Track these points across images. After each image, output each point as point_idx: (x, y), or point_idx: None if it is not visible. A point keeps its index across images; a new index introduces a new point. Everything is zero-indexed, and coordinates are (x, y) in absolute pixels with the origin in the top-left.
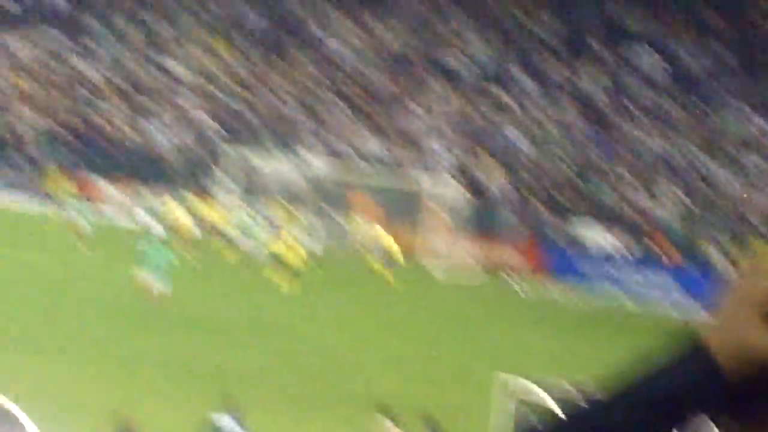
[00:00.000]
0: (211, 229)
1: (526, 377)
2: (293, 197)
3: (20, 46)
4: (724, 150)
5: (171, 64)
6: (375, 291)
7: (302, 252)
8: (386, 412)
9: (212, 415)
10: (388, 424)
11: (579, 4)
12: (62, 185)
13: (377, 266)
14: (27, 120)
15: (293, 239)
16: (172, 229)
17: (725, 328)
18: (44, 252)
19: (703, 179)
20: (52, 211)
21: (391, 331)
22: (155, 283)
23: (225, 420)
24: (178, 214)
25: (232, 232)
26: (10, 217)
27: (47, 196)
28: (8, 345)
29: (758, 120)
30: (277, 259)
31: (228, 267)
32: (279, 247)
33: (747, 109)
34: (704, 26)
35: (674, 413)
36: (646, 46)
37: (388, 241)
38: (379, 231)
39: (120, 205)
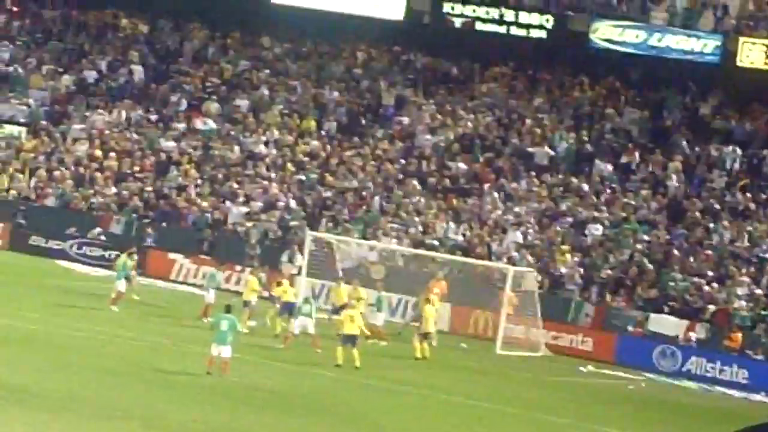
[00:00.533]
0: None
1: None
2: (370, 280)
3: (99, 119)
4: None
5: (253, 143)
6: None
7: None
8: None
9: None
10: None
11: (666, 99)
12: (132, 261)
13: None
14: (105, 193)
15: (360, 318)
16: (244, 304)
17: None
18: (114, 323)
19: None
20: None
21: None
22: (223, 355)
23: None
24: (252, 289)
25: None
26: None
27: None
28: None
29: None
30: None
31: (295, 343)
32: (348, 327)
33: None
34: None
35: None
36: (731, 146)
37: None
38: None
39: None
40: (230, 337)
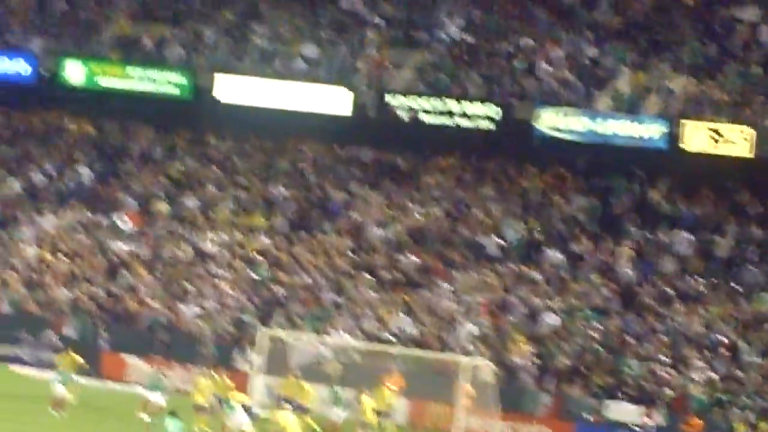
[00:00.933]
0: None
1: None
2: (322, 375)
3: (48, 222)
4: (756, 332)
5: (203, 242)
6: None
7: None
8: None
9: None
10: None
11: (614, 186)
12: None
13: None
14: (56, 296)
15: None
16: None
17: None
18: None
19: (733, 360)
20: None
21: None
22: None
23: None
24: (201, 389)
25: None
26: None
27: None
28: None
29: None
30: None
31: None
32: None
33: None
34: (742, 212)
35: None
36: (681, 230)
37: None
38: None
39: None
40: None
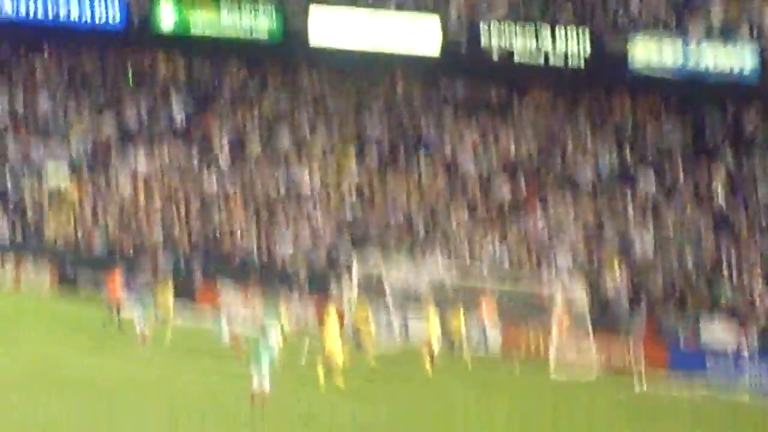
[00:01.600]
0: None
1: None
2: (417, 302)
3: (141, 163)
4: None
5: (296, 174)
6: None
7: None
8: None
9: None
10: None
11: (706, 110)
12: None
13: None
14: (150, 236)
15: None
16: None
17: None
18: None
19: None
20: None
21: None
22: (262, 384)
23: None
24: (292, 316)
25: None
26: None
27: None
28: None
29: None
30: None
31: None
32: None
33: None
34: None
35: None
36: None
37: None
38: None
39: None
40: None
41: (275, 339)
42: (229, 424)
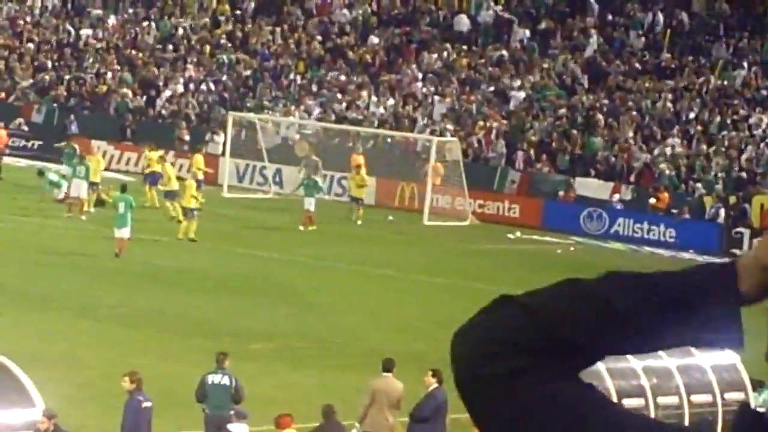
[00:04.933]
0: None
1: None
2: (294, 158)
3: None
4: (720, 102)
5: (171, 27)
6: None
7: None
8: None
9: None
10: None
11: None
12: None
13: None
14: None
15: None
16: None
17: (756, 256)
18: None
19: (700, 129)
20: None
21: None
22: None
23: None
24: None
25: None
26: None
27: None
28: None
29: (749, 72)
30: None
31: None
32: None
33: (744, 64)
34: None
35: (692, 302)
36: (649, 6)
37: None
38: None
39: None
40: (128, 218)
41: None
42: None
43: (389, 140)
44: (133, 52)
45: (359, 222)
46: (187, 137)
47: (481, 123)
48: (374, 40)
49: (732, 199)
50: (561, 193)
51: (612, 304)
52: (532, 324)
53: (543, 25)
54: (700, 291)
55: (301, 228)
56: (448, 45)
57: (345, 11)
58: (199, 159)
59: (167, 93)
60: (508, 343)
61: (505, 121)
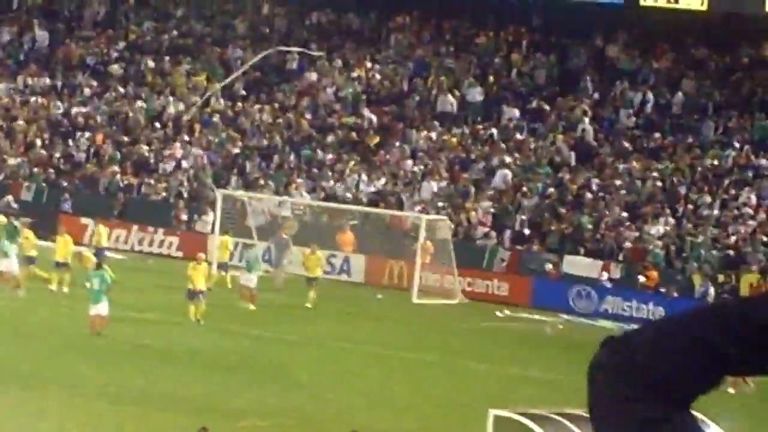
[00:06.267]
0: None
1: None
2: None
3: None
4: (709, 181)
5: (160, 105)
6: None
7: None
8: None
9: None
10: None
11: (571, 43)
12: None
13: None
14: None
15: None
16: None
17: None
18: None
19: (690, 208)
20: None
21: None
22: (101, 313)
23: None
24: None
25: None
26: None
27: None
28: None
29: (739, 152)
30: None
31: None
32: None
33: (734, 142)
34: (700, 68)
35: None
36: (638, 86)
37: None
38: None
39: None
40: (104, 294)
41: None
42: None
43: (379, 218)
44: (124, 130)
45: (309, 305)
46: (184, 216)
47: (470, 202)
48: (364, 118)
49: (721, 278)
50: (550, 270)
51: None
52: (692, 344)
53: (533, 104)
54: None
55: (252, 307)
56: (437, 123)
57: (334, 90)
58: (226, 241)
59: (159, 171)
60: (669, 361)
61: (493, 201)
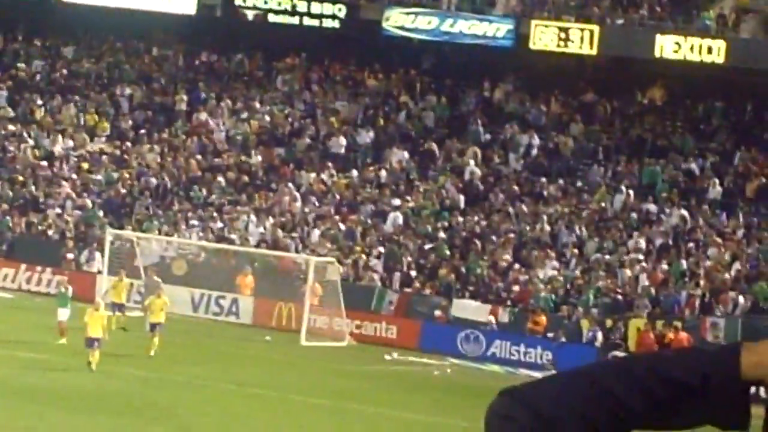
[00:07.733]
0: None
1: None
2: (171, 276)
3: None
4: (598, 226)
5: (49, 144)
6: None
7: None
8: None
9: None
10: None
11: (461, 86)
12: None
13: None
14: None
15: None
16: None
17: (759, 352)
18: None
19: (577, 253)
20: None
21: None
22: None
23: None
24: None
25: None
26: None
27: None
28: None
29: (627, 196)
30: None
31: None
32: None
33: (622, 187)
34: (588, 112)
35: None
36: (526, 130)
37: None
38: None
39: None
40: None
41: None
42: None
43: (267, 260)
44: (12, 168)
45: (153, 353)
46: (71, 255)
47: (359, 244)
48: (252, 159)
49: (608, 323)
50: (438, 314)
51: (625, 402)
52: (598, 397)
53: (423, 147)
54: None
55: (64, 341)
56: (327, 164)
57: (224, 130)
58: (126, 283)
59: (47, 210)
60: (575, 414)
61: (382, 244)
